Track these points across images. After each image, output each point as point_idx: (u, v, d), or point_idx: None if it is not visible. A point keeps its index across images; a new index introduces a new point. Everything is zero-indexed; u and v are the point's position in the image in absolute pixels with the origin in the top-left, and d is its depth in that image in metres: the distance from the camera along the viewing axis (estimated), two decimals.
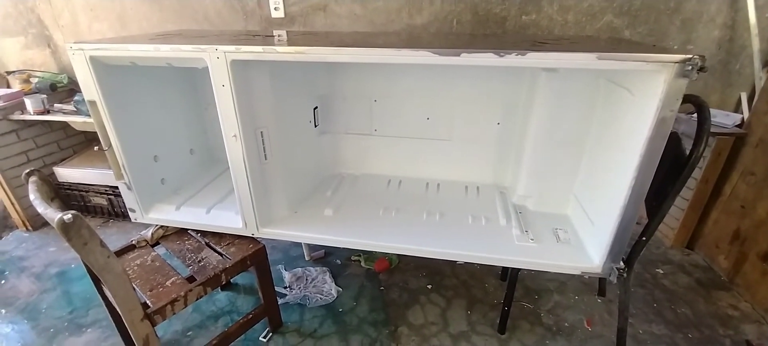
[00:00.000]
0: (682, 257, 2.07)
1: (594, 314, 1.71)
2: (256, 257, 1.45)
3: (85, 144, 2.63)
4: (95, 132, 1.40)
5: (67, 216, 0.92)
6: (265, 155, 1.41)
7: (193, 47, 1.19)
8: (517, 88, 1.61)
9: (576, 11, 1.96)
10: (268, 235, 1.48)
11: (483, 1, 2.01)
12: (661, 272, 1.96)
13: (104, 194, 2.35)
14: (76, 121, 2.16)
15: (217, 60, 1.18)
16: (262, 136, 1.38)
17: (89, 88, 1.31)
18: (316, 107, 1.75)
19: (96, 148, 1.45)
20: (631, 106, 1.14)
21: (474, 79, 1.65)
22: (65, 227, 0.92)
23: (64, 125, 2.39)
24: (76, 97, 2.17)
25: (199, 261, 1.41)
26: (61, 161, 2.44)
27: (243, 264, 1.42)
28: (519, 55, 1.02)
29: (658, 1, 1.88)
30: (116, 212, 2.42)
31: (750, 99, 1.96)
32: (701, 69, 0.91)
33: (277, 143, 1.44)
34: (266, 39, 1.36)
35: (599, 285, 1.82)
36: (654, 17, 1.90)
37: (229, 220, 1.51)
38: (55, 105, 2.25)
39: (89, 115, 1.37)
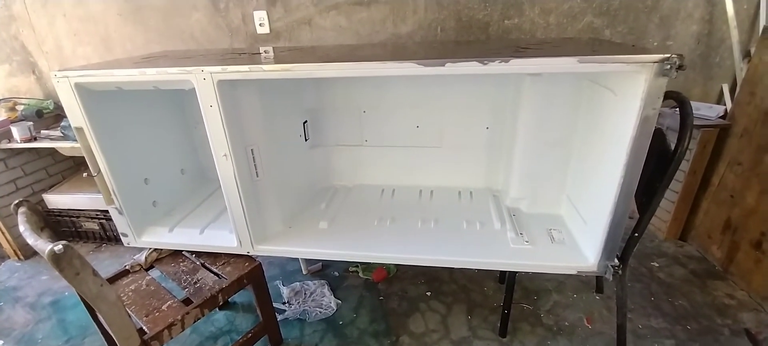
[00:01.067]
0: (676, 249, 2.10)
1: (593, 311, 1.72)
2: (253, 275, 1.44)
3: (73, 169, 2.60)
4: (83, 156, 1.39)
5: (58, 247, 0.91)
6: (256, 172, 1.41)
7: (179, 70, 1.19)
8: (504, 92, 1.63)
9: (557, 13, 1.99)
10: (263, 252, 1.47)
11: (466, 8, 2.04)
12: (657, 265, 1.98)
13: (95, 218, 2.32)
14: (64, 146, 2.14)
15: (203, 81, 1.18)
16: (252, 154, 1.38)
17: (75, 114, 1.31)
18: (306, 121, 1.76)
19: (85, 174, 1.43)
20: (615, 106, 1.16)
21: (461, 85, 1.66)
22: (56, 259, 0.91)
23: (52, 151, 2.37)
24: (62, 123, 2.15)
25: (195, 283, 1.40)
26: (50, 188, 2.42)
27: (239, 283, 1.41)
28: (502, 62, 1.03)
29: (636, 0, 1.92)
30: (108, 237, 2.39)
31: (732, 90, 2.00)
32: (680, 67, 0.93)
33: (268, 160, 1.43)
34: (252, 57, 1.37)
35: (597, 282, 1.83)
36: (633, 16, 1.94)
37: (223, 239, 1.50)
38: (42, 131, 2.23)
39: (77, 141, 1.35)
